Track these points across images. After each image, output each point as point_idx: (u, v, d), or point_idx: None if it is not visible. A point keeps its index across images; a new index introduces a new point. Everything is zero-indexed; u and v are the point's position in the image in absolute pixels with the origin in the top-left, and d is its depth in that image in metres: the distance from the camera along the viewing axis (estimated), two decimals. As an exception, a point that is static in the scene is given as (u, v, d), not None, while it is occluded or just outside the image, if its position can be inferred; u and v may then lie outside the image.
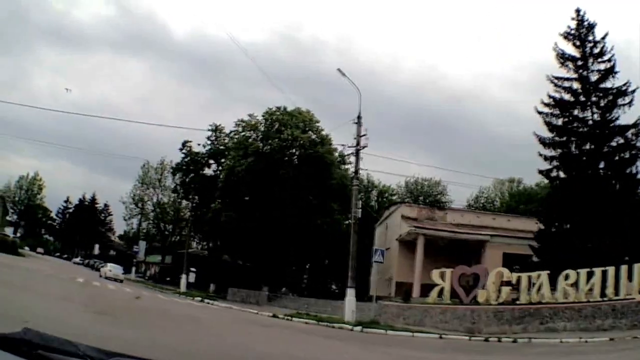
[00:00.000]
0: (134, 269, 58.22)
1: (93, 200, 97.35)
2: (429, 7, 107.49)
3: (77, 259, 73.87)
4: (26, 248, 59.44)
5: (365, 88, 58.61)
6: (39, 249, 72.57)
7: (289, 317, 21.19)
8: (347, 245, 22.19)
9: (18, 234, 64.32)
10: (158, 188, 62.89)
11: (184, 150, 49.74)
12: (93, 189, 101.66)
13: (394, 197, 55.10)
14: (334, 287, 50.85)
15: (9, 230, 51.27)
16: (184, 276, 40.04)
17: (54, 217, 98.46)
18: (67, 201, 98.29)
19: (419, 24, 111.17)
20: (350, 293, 20.93)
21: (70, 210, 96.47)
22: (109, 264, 45.19)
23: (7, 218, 77.65)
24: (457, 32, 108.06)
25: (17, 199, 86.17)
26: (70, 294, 16.33)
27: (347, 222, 36.27)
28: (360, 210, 22.55)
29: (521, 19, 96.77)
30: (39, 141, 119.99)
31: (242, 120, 41.74)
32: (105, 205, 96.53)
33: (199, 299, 30.27)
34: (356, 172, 23.19)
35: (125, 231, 74.80)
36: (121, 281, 38.56)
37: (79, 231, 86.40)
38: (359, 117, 22.72)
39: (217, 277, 43.44)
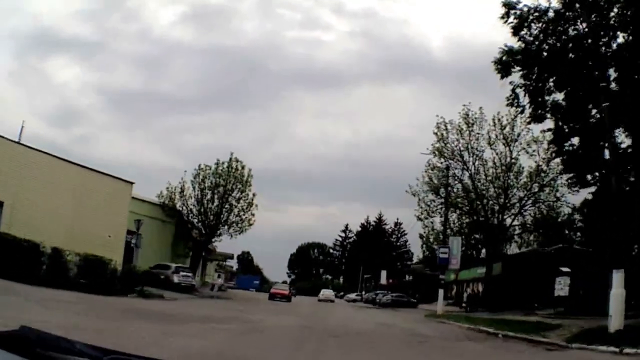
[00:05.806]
0: (441, 291, 35.33)
1: (379, 220, 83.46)
2: None
3: (353, 295, 64.42)
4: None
5: None
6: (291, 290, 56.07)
7: None
8: None
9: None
10: (471, 155, 35.97)
11: (509, 21, 21.23)
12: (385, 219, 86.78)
13: None
14: None
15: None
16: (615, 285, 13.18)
17: (331, 252, 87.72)
18: (345, 230, 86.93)
19: None
20: None
21: (351, 240, 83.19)
22: (323, 290, 57.04)
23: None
24: None
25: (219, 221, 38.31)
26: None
27: None
28: None
29: None
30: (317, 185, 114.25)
31: None
32: (396, 223, 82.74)
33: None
34: None
35: (420, 235, 47.76)
36: (332, 301, 49.41)
37: (362, 261, 75.15)
38: None
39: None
